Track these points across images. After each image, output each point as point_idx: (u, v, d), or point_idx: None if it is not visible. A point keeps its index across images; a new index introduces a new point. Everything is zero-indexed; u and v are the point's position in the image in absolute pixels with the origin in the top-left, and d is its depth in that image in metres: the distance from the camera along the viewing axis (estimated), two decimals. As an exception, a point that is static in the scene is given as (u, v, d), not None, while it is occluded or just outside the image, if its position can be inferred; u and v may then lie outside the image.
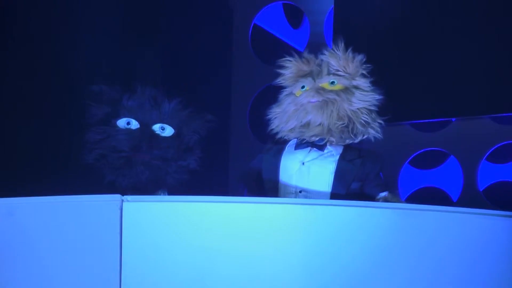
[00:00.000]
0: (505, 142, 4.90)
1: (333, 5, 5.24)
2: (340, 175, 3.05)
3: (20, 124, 4.11)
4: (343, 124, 3.06)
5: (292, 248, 2.49)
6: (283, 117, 3.15)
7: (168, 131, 3.15)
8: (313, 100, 3.06)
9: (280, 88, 3.26)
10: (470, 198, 4.91)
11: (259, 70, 5.59)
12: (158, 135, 3.12)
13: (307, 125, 3.07)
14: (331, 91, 3.07)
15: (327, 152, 3.08)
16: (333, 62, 3.15)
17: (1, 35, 4.11)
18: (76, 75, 4.15)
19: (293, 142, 3.14)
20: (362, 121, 3.08)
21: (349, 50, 3.15)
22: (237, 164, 5.43)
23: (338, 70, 3.14)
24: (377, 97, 3.13)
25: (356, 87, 3.11)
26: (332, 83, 3.10)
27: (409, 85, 4.73)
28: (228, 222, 2.51)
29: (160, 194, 3.17)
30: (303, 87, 3.13)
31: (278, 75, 3.25)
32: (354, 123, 3.07)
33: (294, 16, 5.70)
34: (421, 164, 5.26)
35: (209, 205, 2.53)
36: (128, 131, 3.11)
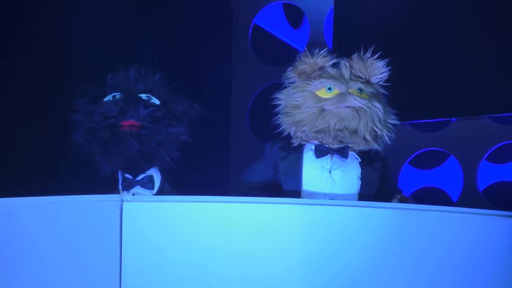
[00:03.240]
0: (505, 142, 4.90)
1: (333, 5, 5.23)
2: (367, 179, 3.02)
3: (20, 124, 4.11)
4: (376, 135, 3.03)
5: (292, 248, 2.49)
6: (306, 116, 3.02)
7: (154, 101, 3.14)
8: (347, 105, 2.99)
9: (273, 89, 3.18)
10: (470, 198, 4.91)
11: (259, 70, 5.59)
12: (144, 99, 3.10)
13: (343, 129, 2.99)
14: (364, 99, 3.01)
15: (349, 158, 3.02)
16: (358, 67, 3.08)
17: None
18: (75, 71, 4.15)
19: (309, 149, 3.05)
20: (389, 134, 3.06)
21: (384, 61, 3.11)
22: (237, 164, 5.43)
23: (360, 77, 3.08)
24: (394, 111, 3.11)
25: (378, 98, 3.08)
26: (360, 90, 3.03)
27: (409, 85, 4.73)
28: (228, 222, 2.51)
29: (151, 174, 3.14)
30: (329, 88, 3.03)
31: (280, 74, 3.17)
32: (383, 132, 3.04)
33: (294, 16, 5.69)
34: (421, 164, 5.25)
35: (209, 205, 2.53)
36: (114, 100, 3.09)
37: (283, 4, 5.70)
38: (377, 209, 2.57)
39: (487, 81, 4.63)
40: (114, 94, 3.11)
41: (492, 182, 5.04)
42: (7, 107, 4.09)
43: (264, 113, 3.24)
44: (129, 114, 3.04)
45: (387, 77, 3.13)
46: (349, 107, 2.99)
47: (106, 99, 3.11)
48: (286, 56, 5.52)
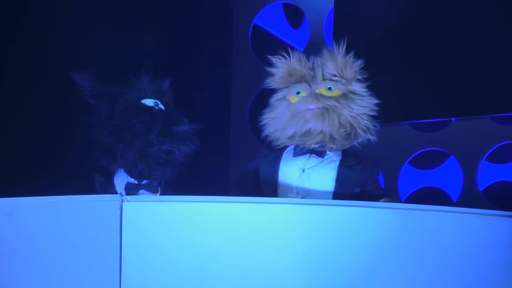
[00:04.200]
0: (505, 142, 4.90)
1: (333, 5, 5.23)
2: (341, 182, 3.01)
3: (20, 124, 4.11)
4: (345, 131, 3.01)
5: (292, 248, 2.49)
6: (279, 124, 3.08)
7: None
8: (312, 107, 2.99)
9: (271, 91, 3.20)
10: (470, 198, 4.91)
11: (259, 70, 5.58)
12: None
13: (307, 133, 3.01)
14: (330, 97, 3.01)
15: (327, 158, 3.03)
16: (330, 65, 3.07)
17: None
18: (76, 70, 4.14)
19: (290, 148, 3.08)
20: (364, 127, 3.03)
21: (351, 54, 3.08)
22: (237, 164, 5.43)
23: (334, 75, 3.07)
24: (375, 101, 3.07)
25: (353, 93, 3.05)
26: (329, 89, 3.03)
27: (409, 85, 4.73)
28: (228, 222, 2.51)
29: (153, 184, 3.14)
30: (298, 93, 3.05)
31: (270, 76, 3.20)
32: (355, 129, 3.01)
33: (294, 16, 5.70)
34: (421, 164, 5.25)
35: (209, 205, 2.53)
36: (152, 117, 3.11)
37: (283, 4, 5.70)
38: (377, 209, 2.57)
39: (487, 81, 4.63)
40: (155, 101, 3.14)
41: (492, 182, 5.05)
42: (7, 107, 4.09)
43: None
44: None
45: (359, 69, 3.10)
46: (314, 109, 2.99)
47: (148, 102, 3.13)
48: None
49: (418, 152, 5.15)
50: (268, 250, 2.49)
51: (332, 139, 3.01)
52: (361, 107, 3.04)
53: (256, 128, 5.56)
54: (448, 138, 5.04)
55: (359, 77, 3.09)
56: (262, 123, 3.15)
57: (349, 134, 3.02)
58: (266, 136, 3.13)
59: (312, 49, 3.22)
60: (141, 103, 3.12)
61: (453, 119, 4.98)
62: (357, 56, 3.11)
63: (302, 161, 3.04)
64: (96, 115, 3.13)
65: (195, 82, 5.08)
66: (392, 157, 4.99)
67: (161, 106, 3.14)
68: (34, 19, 4.27)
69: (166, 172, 3.14)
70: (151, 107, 3.12)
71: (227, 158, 5.58)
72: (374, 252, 2.51)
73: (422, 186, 5.30)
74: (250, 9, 5.69)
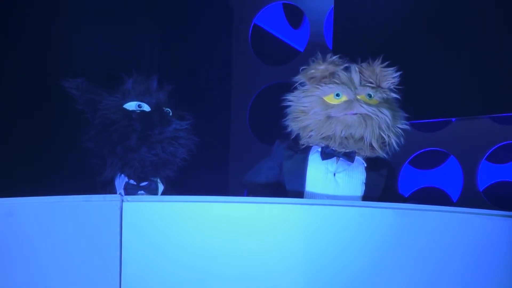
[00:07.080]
0: (505, 142, 4.90)
1: (333, 5, 5.24)
2: (370, 186, 3.00)
3: (20, 124, 4.11)
4: (383, 142, 3.00)
5: (292, 248, 2.49)
6: (310, 122, 2.99)
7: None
8: (353, 113, 2.94)
9: (272, 90, 3.16)
10: (470, 198, 4.91)
11: (259, 70, 5.59)
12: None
13: (348, 138, 2.95)
14: (372, 105, 2.96)
15: (356, 162, 3.00)
16: (368, 72, 3.04)
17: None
18: (75, 71, 4.14)
19: (315, 150, 3.02)
20: (398, 137, 3.02)
21: (394, 68, 3.06)
22: (237, 164, 5.43)
23: (370, 82, 3.03)
24: (405, 115, 3.07)
25: (388, 102, 3.04)
26: (369, 96, 2.99)
27: (409, 85, 4.73)
28: (228, 222, 2.51)
29: (152, 186, 3.14)
30: (337, 95, 2.98)
31: (280, 73, 3.16)
32: (391, 138, 3.00)
33: (294, 16, 5.70)
34: (421, 164, 5.26)
35: (209, 205, 2.53)
36: (143, 113, 3.07)
37: (283, 4, 5.71)
38: (377, 209, 2.57)
39: (487, 81, 4.63)
40: (139, 103, 3.10)
41: (492, 182, 5.05)
42: (7, 106, 4.09)
43: (264, 113, 3.24)
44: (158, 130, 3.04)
45: (398, 82, 3.10)
46: (356, 114, 2.95)
47: (129, 106, 3.09)
48: (286, 56, 5.54)
49: (418, 152, 5.15)
50: (268, 250, 2.49)
51: (371, 147, 2.98)
52: (397, 117, 3.02)
53: (256, 128, 5.59)
54: (448, 138, 5.04)
55: (394, 88, 3.08)
56: (288, 117, 3.06)
57: (383, 143, 3.01)
58: (290, 131, 3.05)
59: (312, 49, 3.20)
60: (122, 108, 3.07)
61: (453, 119, 4.98)
62: (355, 57, 3.11)
63: (331, 165, 2.99)
64: (86, 122, 3.12)
65: (195, 82, 5.08)
66: (392, 157, 4.98)
67: (145, 107, 3.10)
68: (36, 21, 4.27)
69: (160, 173, 3.12)
70: (131, 111, 3.06)
71: (227, 158, 5.59)
72: (374, 252, 2.51)
73: (422, 186, 5.31)
74: (250, 9, 5.69)
